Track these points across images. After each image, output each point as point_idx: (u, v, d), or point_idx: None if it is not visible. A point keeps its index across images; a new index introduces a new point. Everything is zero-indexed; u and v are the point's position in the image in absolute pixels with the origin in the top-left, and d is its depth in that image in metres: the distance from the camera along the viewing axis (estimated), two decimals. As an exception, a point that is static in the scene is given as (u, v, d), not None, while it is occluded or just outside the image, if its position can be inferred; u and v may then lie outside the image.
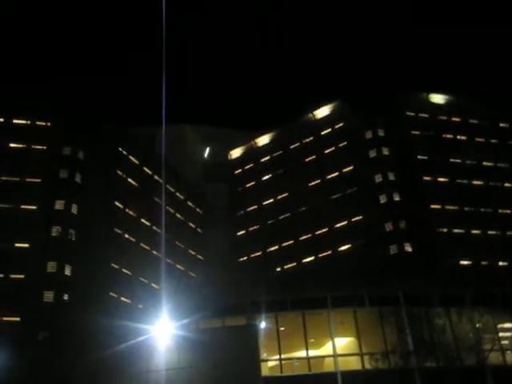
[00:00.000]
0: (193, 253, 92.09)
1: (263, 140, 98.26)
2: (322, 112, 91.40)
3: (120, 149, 78.81)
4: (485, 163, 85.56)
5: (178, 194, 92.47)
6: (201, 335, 35.80)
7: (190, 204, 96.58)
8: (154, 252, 77.55)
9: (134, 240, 75.55)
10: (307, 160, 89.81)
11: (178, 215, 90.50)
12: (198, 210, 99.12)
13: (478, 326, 37.19)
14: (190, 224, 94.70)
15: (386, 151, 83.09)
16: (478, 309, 38.77)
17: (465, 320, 37.47)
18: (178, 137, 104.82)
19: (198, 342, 35.20)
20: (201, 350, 35.37)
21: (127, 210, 76.26)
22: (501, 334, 40.94)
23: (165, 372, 33.65)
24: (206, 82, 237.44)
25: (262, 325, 39.01)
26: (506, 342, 41.78)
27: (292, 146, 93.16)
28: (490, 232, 78.13)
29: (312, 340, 40.80)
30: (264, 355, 39.62)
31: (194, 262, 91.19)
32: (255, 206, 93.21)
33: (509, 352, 41.43)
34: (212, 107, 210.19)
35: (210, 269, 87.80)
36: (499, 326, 40.87)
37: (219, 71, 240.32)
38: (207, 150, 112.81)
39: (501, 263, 74.36)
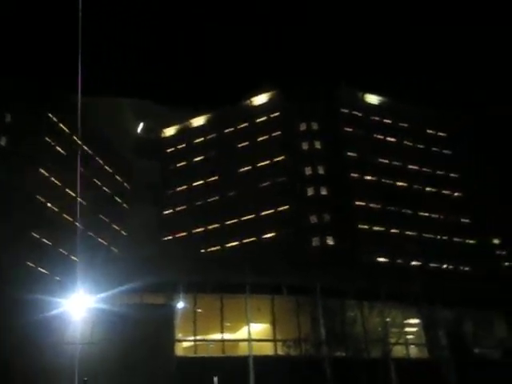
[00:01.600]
0: (117, 228, 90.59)
1: (198, 121, 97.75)
2: (260, 99, 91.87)
3: (50, 115, 76.17)
4: (410, 166, 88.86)
5: (106, 167, 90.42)
6: (117, 311, 35.47)
7: (118, 178, 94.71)
8: (76, 224, 75.77)
9: (56, 210, 73.49)
10: (240, 145, 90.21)
11: (105, 188, 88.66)
12: (126, 184, 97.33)
13: (386, 320, 38.80)
14: (117, 198, 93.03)
15: (318, 145, 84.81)
16: (389, 304, 40.44)
17: (375, 314, 38.99)
18: (113, 110, 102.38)
19: (114, 317, 34.86)
20: (116, 325, 35.04)
21: (52, 179, 73.96)
22: (407, 329, 42.93)
23: (77, 346, 33.17)
24: (148, 58, 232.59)
25: (180, 305, 38.99)
26: (411, 336, 43.89)
27: (226, 130, 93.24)
28: (407, 232, 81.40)
29: (228, 324, 41.22)
30: (179, 335, 39.70)
31: (118, 237, 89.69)
32: (185, 186, 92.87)
33: (413, 346, 43.59)
34: (151, 83, 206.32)
35: (133, 245, 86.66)
36: (406, 321, 42.81)
37: (159, 47, 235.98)
38: (141, 126, 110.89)
39: (414, 263, 77.64)
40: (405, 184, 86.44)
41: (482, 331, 44.14)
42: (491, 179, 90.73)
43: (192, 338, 39.74)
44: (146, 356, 34.55)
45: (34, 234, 67.93)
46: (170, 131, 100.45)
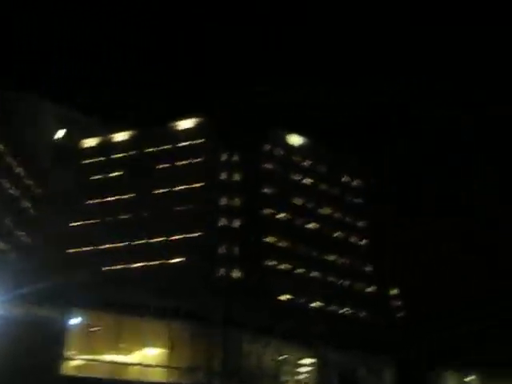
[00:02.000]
0: (21, 233, 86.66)
1: (121, 136, 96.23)
2: (186, 124, 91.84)
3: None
4: (322, 210, 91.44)
5: (18, 169, 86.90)
6: (4, 319, 33.79)
7: (29, 182, 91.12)
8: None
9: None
10: (159, 167, 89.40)
11: (13, 191, 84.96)
12: (37, 190, 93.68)
13: (281, 357, 39.34)
14: (25, 203, 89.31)
15: (236, 177, 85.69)
16: (286, 342, 41.06)
17: (271, 350, 39.46)
18: (35, 112, 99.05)
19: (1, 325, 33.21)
20: (2, 334, 33.39)
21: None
22: (301, 369, 43.64)
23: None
24: (77, 64, 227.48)
25: (74, 320, 37.72)
26: (303, 376, 44.63)
27: (147, 150, 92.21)
28: (313, 274, 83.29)
29: (123, 345, 40.29)
30: (69, 353, 38.30)
31: (20, 244, 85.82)
32: (97, 200, 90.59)
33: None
34: (78, 90, 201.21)
35: (36, 253, 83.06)
36: (301, 360, 43.55)
37: (94, 58, 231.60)
38: (62, 133, 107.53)
39: (316, 304, 79.34)
40: (315, 226, 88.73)
41: (372, 376, 45.64)
42: (394, 233, 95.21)
43: (82, 356, 38.44)
44: (30, 373, 33.00)
45: None
46: (90, 142, 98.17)
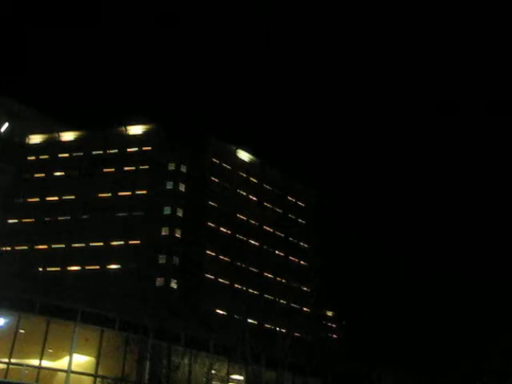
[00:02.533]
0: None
1: (68, 136, 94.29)
2: (136, 130, 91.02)
3: None
4: (265, 227, 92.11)
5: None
6: None
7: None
8: None
9: None
10: (105, 170, 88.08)
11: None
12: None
13: (211, 371, 39.24)
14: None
15: (182, 187, 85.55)
16: (217, 356, 41.04)
17: (201, 364, 39.32)
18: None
19: None
20: None
21: None
22: (230, 384, 43.69)
23: None
24: (35, 61, 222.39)
25: (0, 321, 36.59)
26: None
27: (94, 152, 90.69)
28: (250, 290, 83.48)
29: (50, 350, 39.29)
30: (-7, 355, 37.12)
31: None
32: (37, 199, 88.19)
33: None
34: (27, 84, 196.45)
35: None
36: (231, 376, 43.56)
37: (47, 51, 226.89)
38: (5, 126, 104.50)
39: (251, 320, 79.44)
40: (257, 243, 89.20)
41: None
42: (333, 256, 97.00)
43: (6, 360, 37.22)
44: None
45: None
46: (35, 139, 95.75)
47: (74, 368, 38.15)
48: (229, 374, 42.84)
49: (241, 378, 45.08)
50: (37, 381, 37.27)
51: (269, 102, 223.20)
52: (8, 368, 37.10)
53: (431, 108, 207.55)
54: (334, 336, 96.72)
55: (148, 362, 38.70)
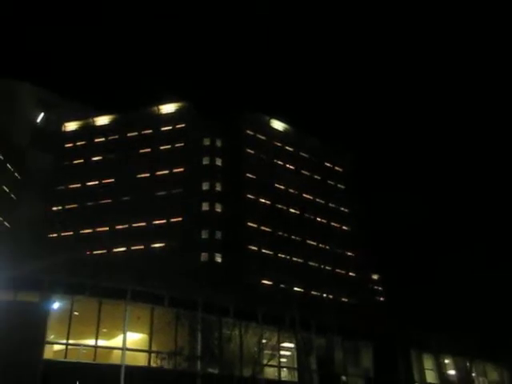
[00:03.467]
0: (0, 218, 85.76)
1: (102, 120, 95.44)
2: (168, 108, 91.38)
3: None
4: (304, 195, 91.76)
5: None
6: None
7: (8, 166, 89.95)
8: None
9: None
10: (141, 151, 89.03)
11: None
12: (16, 174, 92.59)
13: (262, 341, 39.55)
14: (4, 187, 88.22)
15: (218, 162, 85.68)
16: (266, 326, 41.32)
17: (252, 334, 39.64)
18: (11, 94, 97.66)
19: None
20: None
21: None
22: (281, 352, 44.02)
23: None
24: (59, 47, 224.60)
25: (56, 305, 37.58)
26: (284, 359, 45.04)
27: (130, 134, 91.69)
28: (294, 258, 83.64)
29: (104, 330, 40.23)
30: (51, 337, 38.23)
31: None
32: (78, 185, 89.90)
33: (284, 369, 44.74)
34: (59, 73, 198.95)
35: (16, 238, 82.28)
36: (281, 344, 43.88)
37: (76, 40, 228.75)
38: (41, 116, 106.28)
39: (297, 289, 79.76)
40: (297, 212, 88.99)
41: (350, 359, 46.24)
42: (379, 219, 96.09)
43: (64, 341, 38.36)
44: (12, 356, 32.93)
45: None
46: (71, 126, 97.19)
47: (128, 345, 38.98)
48: (279, 342, 43.12)
49: (291, 345, 45.37)
50: (94, 359, 38.28)
51: (298, 68, 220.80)
52: (67, 349, 38.23)
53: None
54: (381, 299, 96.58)
55: (199, 336, 39.20)
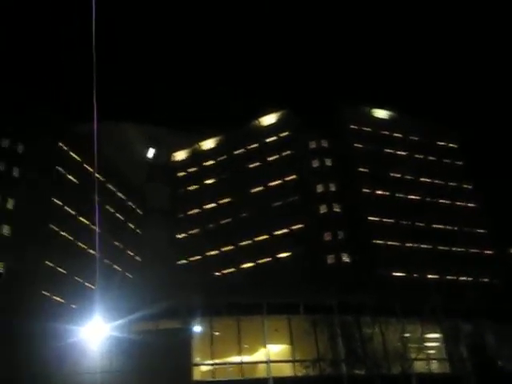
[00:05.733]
0: (131, 253, 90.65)
1: (208, 144, 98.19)
2: (268, 120, 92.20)
3: (61, 144, 76.88)
4: (422, 179, 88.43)
5: (118, 194, 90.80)
6: (134, 337, 35.45)
7: (130, 204, 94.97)
8: (91, 251, 75.89)
9: (71, 238, 73.75)
10: (251, 166, 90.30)
11: (118, 215, 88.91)
12: (138, 210, 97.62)
13: (405, 335, 38.35)
14: (130, 224, 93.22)
15: (328, 162, 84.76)
16: (406, 319, 40.00)
17: (393, 330, 38.55)
18: (121, 135, 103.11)
19: (132, 344, 34.83)
20: (134, 352, 35.02)
21: (66, 208, 74.42)
22: (427, 344, 42.32)
23: (97, 375, 33.09)
24: (153, 82, 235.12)
25: (197, 329, 38.85)
26: (431, 351, 43.24)
27: (236, 152, 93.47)
28: (422, 246, 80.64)
29: (246, 346, 40.95)
30: (197, 359, 39.47)
31: (132, 263, 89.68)
32: (197, 210, 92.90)
33: (434, 361, 42.90)
34: (159, 108, 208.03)
35: (147, 270, 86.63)
36: (425, 335, 42.22)
37: (169, 72, 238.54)
38: (150, 151, 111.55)
39: (430, 276, 76.79)
40: (417, 197, 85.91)
41: (503, 343, 43.34)
42: (506, 188, 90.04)
43: (210, 361, 39.50)
44: (164, 381, 34.38)
45: (49, 263, 68.14)
46: (180, 155, 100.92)
47: (271, 357, 39.38)
48: (423, 334, 41.50)
49: (437, 335, 43.54)
50: (242, 375, 39.03)
51: (387, 52, 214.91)
52: (213, 368, 39.32)
53: None
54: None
55: (340, 339, 38.74)
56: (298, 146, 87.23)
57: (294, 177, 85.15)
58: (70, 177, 77.00)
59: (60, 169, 75.38)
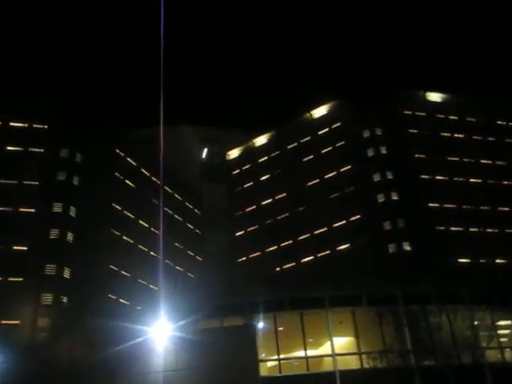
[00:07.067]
0: (191, 254, 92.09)
1: (261, 140, 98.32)
2: (320, 111, 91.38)
3: (118, 150, 78.72)
4: (482, 161, 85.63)
5: (176, 195, 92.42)
6: (199, 336, 35.86)
7: (188, 205, 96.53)
8: (152, 253, 77.57)
9: (132, 242, 75.55)
10: (305, 160, 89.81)
11: (177, 216, 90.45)
12: (196, 210, 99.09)
13: (475, 323, 37.21)
14: (189, 225, 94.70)
15: (383, 150, 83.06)
16: (476, 306, 38.82)
17: (462, 318, 37.48)
18: (176, 138, 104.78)
19: (196, 343, 35.25)
20: (199, 351, 35.42)
21: (125, 212, 76.24)
22: (499, 332, 40.95)
23: (162, 373, 33.68)
24: (204, 83, 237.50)
25: (261, 325, 39.02)
26: (504, 339, 41.79)
27: (289, 146, 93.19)
28: (488, 230, 78.13)
29: (311, 340, 40.85)
30: (262, 355, 39.66)
31: (193, 263, 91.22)
32: (254, 207, 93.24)
33: (508, 350, 41.41)
34: (210, 107, 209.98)
35: (208, 269, 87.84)
36: (497, 323, 40.87)
37: (217, 71, 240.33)
38: (205, 151, 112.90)
39: (499, 261, 74.34)
40: (479, 180, 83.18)
41: None
42: None
43: (275, 357, 39.59)
44: (230, 378, 34.65)
45: (113, 267, 69.95)
46: (233, 153, 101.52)
47: (337, 350, 39.12)
48: (494, 321, 40.11)
49: (509, 322, 42.08)
50: (308, 370, 38.94)
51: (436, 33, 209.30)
52: (279, 363, 39.45)
53: None
54: None
55: (406, 329, 38.02)
56: (351, 136, 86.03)
57: (349, 167, 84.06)
58: (127, 181, 78.81)
59: (118, 174, 77.19)
